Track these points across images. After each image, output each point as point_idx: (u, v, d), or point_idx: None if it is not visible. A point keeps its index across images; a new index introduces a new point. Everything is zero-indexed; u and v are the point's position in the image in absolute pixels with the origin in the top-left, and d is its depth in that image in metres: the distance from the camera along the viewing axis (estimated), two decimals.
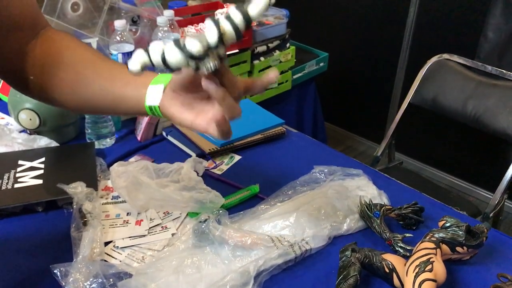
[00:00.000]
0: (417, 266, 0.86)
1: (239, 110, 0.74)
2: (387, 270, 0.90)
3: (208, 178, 1.23)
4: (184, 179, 1.14)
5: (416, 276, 0.84)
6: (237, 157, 1.34)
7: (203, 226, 0.99)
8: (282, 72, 2.37)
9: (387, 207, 1.08)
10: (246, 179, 1.22)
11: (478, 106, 1.88)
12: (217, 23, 0.66)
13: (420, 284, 0.83)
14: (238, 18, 0.67)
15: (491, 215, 1.82)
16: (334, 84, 3.28)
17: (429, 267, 0.85)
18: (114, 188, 1.13)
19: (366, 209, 1.07)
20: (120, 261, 0.95)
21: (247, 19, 0.67)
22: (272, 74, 0.76)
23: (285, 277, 0.94)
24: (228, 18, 0.67)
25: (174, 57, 0.67)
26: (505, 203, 2.01)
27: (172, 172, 1.19)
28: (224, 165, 1.30)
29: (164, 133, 1.40)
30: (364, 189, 1.17)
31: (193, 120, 0.76)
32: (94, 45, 1.35)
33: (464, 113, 1.91)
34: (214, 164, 1.29)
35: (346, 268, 0.89)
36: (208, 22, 0.67)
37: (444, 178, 2.96)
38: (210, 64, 0.67)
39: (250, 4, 0.67)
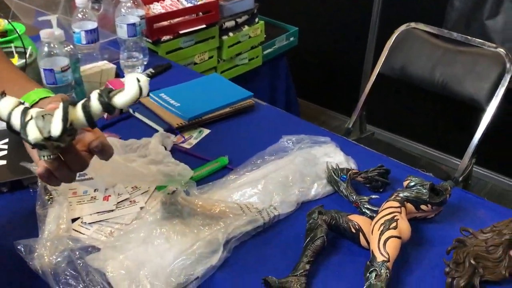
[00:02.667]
0: (382, 224, 0.87)
1: (73, 179, 0.73)
2: (353, 231, 0.92)
3: (177, 152, 1.22)
4: (151, 154, 1.13)
5: (381, 234, 0.86)
6: (206, 131, 1.33)
7: (171, 198, 0.99)
8: (252, 48, 2.35)
9: (353, 171, 1.09)
10: (215, 152, 1.21)
11: (445, 73, 1.91)
12: (66, 114, 0.62)
13: (385, 242, 0.85)
14: (96, 108, 0.63)
15: (460, 179, 1.86)
16: (305, 59, 3.28)
17: (394, 224, 0.87)
18: None
19: (333, 173, 1.08)
20: (88, 236, 0.94)
21: (108, 110, 0.64)
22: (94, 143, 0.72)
23: (255, 243, 0.95)
24: (85, 107, 0.63)
25: (16, 127, 0.64)
26: (474, 168, 2.06)
27: (139, 147, 1.18)
28: (193, 139, 1.29)
29: (131, 110, 1.39)
30: (331, 155, 1.18)
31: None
32: (54, 22, 1.31)
33: (432, 81, 1.93)
34: (183, 139, 1.28)
35: (313, 230, 0.91)
36: (58, 112, 0.63)
37: (416, 148, 3.00)
38: (44, 156, 0.64)
39: (119, 92, 0.63)
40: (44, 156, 0.64)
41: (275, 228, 0.99)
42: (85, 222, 0.99)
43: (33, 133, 0.62)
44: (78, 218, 1.00)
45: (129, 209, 1.02)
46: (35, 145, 0.63)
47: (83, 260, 0.85)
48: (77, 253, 0.85)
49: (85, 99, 0.65)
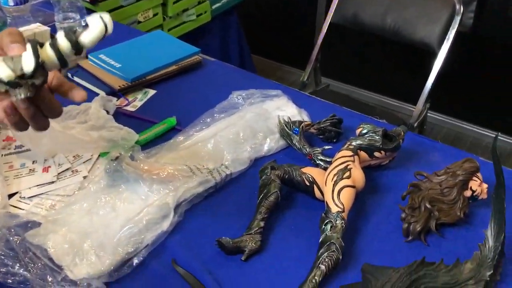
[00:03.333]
0: (335, 174, 0.85)
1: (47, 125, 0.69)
2: (307, 183, 0.89)
3: (121, 116, 1.15)
4: (92, 119, 1.05)
5: (334, 184, 0.83)
6: (151, 92, 1.26)
7: (115, 164, 0.93)
8: (199, 3, 2.25)
9: (306, 123, 1.06)
10: (162, 113, 1.15)
11: (396, 18, 1.88)
12: (36, 51, 0.58)
13: (339, 192, 0.82)
14: (65, 46, 0.60)
15: (415, 125, 1.87)
16: (257, 13, 3.18)
17: (347, 174, 0.85)
18: (15, 137, 1.03)
19: (285, 127, 1.04)
20: (26, 211, 0.87)
21: (77, 48, 0.60)
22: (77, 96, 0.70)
23: (207, 204, 0.91)
24: (53, 45, 0.60)
25: None
26: (429, 114, 2.07)
27: (79, 113, 1.10)
28: (137, 101, 1.22)
29: (69, 74, 1.29)
30: (283, 109, 1.14)
31: None
32: None
33: (384, 27, 1.90)
34: (127, 102, 1.21)
35: (266, 186, 0.87)
36: (28, 49, 0.59)
37: (372, 97, 3.01)
38: (21, 94, 0.59)
39: (83, 32, 0.61)
40: (19, 94, 0.60)
41: (228, 187, 0.95)
42: (24, 197, 0.92)
43: (5, 71, 0.58)
44: (16, 193, 0.93)
45: (71, 180, 0.96)
46: (9, 84, 0.59)
47: (20, 237, 0.78)
48: (13, 230, 0.79)
49: (52, 39, 0.61)
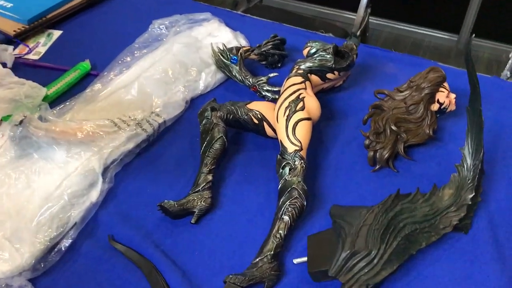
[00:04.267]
0: (286, 108, 0.72)
1: None
2: (255, 121, 0.76)
3: (22, 67, 0.95)
4: None
5: (288, 120, 0.71)
6: (56, 33, 1.05)
7: (21, 130, 0.76)
8: None
9: (245, 48, 0.91)
10: (73, 58, 0.96)
11: None
12: None
13: (293, 127, 0.70)
14: None
15: (358, 33, 1.74)
16: None
17: (300, 105, 0.72)
18: None
19: (221, 56, 0.89)
20: None
21: None
22: None
23: (141, 163, 0.77)
24: None
25: None
26: (370, 19, 1.95)
27: None
28: (41, 46, 1.02)
29: None
30: (216, 34, 0.98)
31: None
32: None
33: None
34: (28, 49, 1.00)
35: (208, 132, 0.73)
36: None
37: (308, 8, 2.84)
38: None
39: None
40: None
41: (163, 138, 0.81)
42: None
43: None
44: None
45: None
46: None
47: None
48: None
49: None
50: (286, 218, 0.64)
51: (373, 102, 0.80)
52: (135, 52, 0.92)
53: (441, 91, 0.75)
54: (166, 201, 0.67)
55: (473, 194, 0.64)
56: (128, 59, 0.91)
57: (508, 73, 1.43)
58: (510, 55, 1.40)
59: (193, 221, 0.67)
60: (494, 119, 0.81)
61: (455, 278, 0.61)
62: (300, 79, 0.76)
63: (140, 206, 0.70)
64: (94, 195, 0.71)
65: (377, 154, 0.73)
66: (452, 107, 0.77)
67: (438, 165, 0.75)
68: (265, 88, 0.84)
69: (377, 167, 0.74)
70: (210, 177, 0.70)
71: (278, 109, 0.73)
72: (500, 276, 0.60)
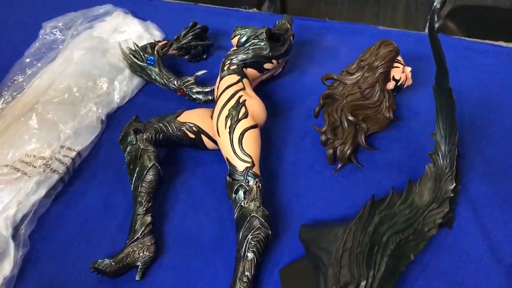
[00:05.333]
0: (227, 117, 0.60)
1: None
2: (191, 136, 0.63)
3: None
4: None
5: (231, 131, 0.59)
6: None
7: None
8: None
9: (161, 44, 0.76)
10: None
11: None
12: None
13: (240, 140, 0.58)
14: None
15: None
16: None
17: (243, 111, 0.60)
18: None
19: (134, 58, 0.74)
20: None
21: None
22: None
23: (60, 210, 0.62)
24: None
25: None
26: None
27: None
28: None
29: None
30: (123, 29, 0.83)
31: None
32: None
33: None
34: None
35: (136, 161, 0.60)
36: None
37: None
38: None
39: None
40: None
41: (82, 173, 0.66)
42: None
43: None
44: None
45: None
46: None
47: None
48: None
49: None
50: (250, 255, 0.53)
51: (318, 85, 0.70)
52: (27, 69, 0.75)
53: (396, 67, 0.66)
54: (99, 260, 0.54)
55: (454, 184, 0.57)
56: (20, 79, 0.74)
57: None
58: None
59: (138, 277, 0.55)
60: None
61: (451, 281, 0.54)
62: (235, 77, 0.64)
63: (69, 270, 0.57)
64: (7, 268, 0.56)
65: (338, 151, 0.64)
66: (409, 82, 0.68)
67: (403, 149, 0.66)
68: (194, 90, 0.71)
69: (339, 166, 0.64)
70: (148, 218, 0.57)
71: (218, 120, 0.60)
72: (496, 273, 0.54)
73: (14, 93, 0.71)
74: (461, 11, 1.21)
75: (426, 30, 1.37)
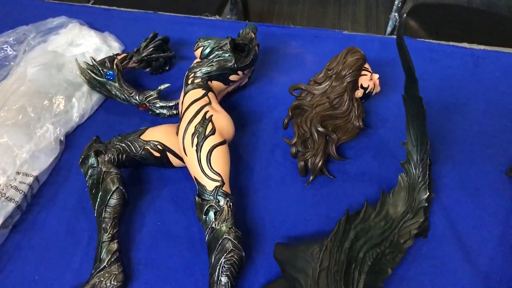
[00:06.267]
0: (193, 134, 0.57)
1: None
2: (157, 155, 0.60)
3: None
4: None
5: (198, 150, 0.56)
6: None
7: None
8: None
9: (120, 57, 0.73)
10: None
11: None
12: None
13: (208, 158, 0.56)
14: None
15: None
16: None
17: (210, 127, 0.58)
18: None
19: (93, 74, 0.70)
20: None
21: None
22: None
23: (19, 241, 0.58)
24: None
25: None
26: None
27: None
28: None
29: None
30: (79, 42, 0.79)
31: None
32: None
33: None
34: None
35: (99, 185, 0.57)
36: None
37: None
38: None
39: None
40: None
41: (42, 200, 0.62)
42: None
43: None
44: None
45: None
46: None
47: None
48: None
49: None
50: (224, 279, 0.51)
51: (286, 94, 0.68)
52: None
53: (363, 75, 0.65)
54: None
55: (428, 193, 0.56)
56: None
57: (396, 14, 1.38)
58: None
59: None
60: None
61: None
62: (200, 92, 0.61)
63: None
64: None
65: (309, 163, 0.62)
66: (377, 89, 0.67)
67: (374, 158, 0.65)
68: (158, 105, 0.68)
69: (311, 178, 0.62)
70: (115, 246, 0.54)
71: (184, 137, 0.58)
72: (473, 281, 0.53)
73: None
74: (422, 9, 1.22)
75: (388, 33, 1.39)
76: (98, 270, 0.53)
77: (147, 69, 0.75)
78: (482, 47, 0.81)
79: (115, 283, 0.52)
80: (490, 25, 1.16)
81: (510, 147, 0.67)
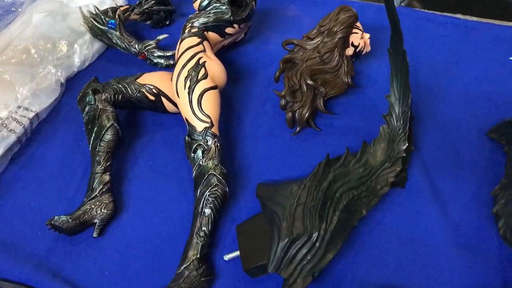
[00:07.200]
0: (186, 78, 0.60)
1: None
2: (151, 98, 0.63)
3: None
4: None
5: (190, 92, 0.59)
6: None
7: None
8: None
9: (122, 8, 0.75)
10: None
11: None
12: None
13: (199, 100, 0.59)
14: None
15: None
16: None
17: (202, 72, 0.60)
18: None
19: (95, 22, 0.73)
20: None
21: None
22: None
23: (16, 171, 0.62)
24: None
25: None
26: None
27: None
28: None
29: None
30: None
31: None
32: None
33: None
34: None
35: (94, 121, 0.60)
36: None
37: None
38: None
39: None
40: None
41: (40, 135, 0.65)
42: None
43: None
44: None
45: None
46: None
47: None
48: None
49: None
50: (208, 211, 0.54)
51: (281, 53, 0.70)
52: None
53: (355, 33, 0.67)
54: (56, 217, 0.54)
55: (406, 144, 0.59)
56: None
57: None
58: None
59: (95, 234, 0.55)
60: (408, 53, 0.76)
61: (401, 240, 0.55)
62: (196, 39, 0.64)
63: (25, 228, 0.56)
64: None
65: (296, 114, 0.65)
66: (368, 48, 0.69)
67: (361, 115, 0.68)
68: (155, 54, 0.71)
69: (298, 129, 0.65)
70: (107, 177, 0.57)
71: (177, 81, 0.61)
72: (445, 230, 0.56)
73: None
74: None
75: None
76: (89, 198, 0.56)
77: (148, 22, 0.78)
78: (475, 18, 0.83)
79: (105, 211, 0.56)
80: None
81: (493, 112, 0.69)
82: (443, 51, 0.78)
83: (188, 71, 0.60)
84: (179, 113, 0.63)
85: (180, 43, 0.65)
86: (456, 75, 0.74)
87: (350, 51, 0.68)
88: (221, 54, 0.73)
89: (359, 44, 0.68)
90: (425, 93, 0.71)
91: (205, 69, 0.61)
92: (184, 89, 0.59)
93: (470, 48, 0.78)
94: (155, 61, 0.71)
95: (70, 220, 0.54)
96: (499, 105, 0.69)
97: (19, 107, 0.63)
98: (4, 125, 0.61)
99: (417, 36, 0.79)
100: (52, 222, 0.54)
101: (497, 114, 0.68)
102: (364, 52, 0.70)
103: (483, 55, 0.77)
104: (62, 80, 0.69)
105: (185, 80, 0.60)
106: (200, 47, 0.63)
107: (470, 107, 0.69)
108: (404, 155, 0.58)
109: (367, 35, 0.69)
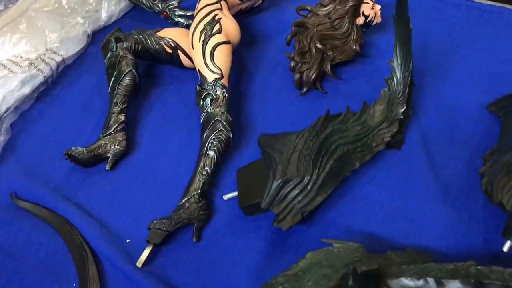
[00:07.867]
0: (202, 31, 0.64)
1: None
2: (169, 51, 0.68)
3: None
4: None
5: (204, 45, 0.63)
6: None
7: None
8: None
9: None
10: None
11: None
12: None
13: (211, 53, 0.63)
14: None
15: None
16: None
17: (217, 27, 0.65)
18: None
19: None
20: None
21: None
22: None
23: (41, 108, 0.68)
24: None
25: None
26: None
27: None
28: None
29: None
30: None
31: None
32: None
33: None
34: None
35: (115, 66, 0.65)
36: None
37: None
38: None
39: None
40: None
41: (65, 79, 0.71)
42: None
43: None
44: None
45: None
46: None
47: None
48: None
49: None
50: (211, 153, 0.58)
51: (296, 20, 0.74)
52: None
53: (366, 3, 0.70)
54: (73, 148, 0.59)
55: (404, 107, 0.62)
56: None
57: None
58: None
59: (107, 167, 0.60)
60: (418, 28, 0.78)
61: (391, 195, 0.58)
62: None
63: (45, 158, 0.62)
64: None
65: (304, 75, 0.68)
66: (378, 20, 0.72)
67: (367, 82, 0.71)
68: (177, 13, 0.76)
69: (304, 90, 0.69)
70: (122, 117, 0.62)
71: (193, 34, 0.65)
72: (434, 190, 0.59)
73: (9, 5, 0.75)
74: None
75: None
76: (105, 134, 0.61)
77: None
78: (489, 2, 0.84)
79: (118, 147, 0.61)
80: None
81: (496, 89, 0.70)
82: (455, 31, 0.80)
83: (204, 25, 0.64)
84: (194, 69, 0.67)
85: (199, 1, 0.69)
86: (465, 55, 0.76)
87: (360, 20, 0.71)
88: (239, 18, 0.77)
89: (369, 14, 0.71)
90: (432, 68, 0.73)
91: (220, 24, 0.65)
92: (199, 41, 0.64)
93: (482, 31, 0.80)
94: (176, 20, 0.76)
95: (85, 152, 0.59)
96: (506, 85, 0.71)
97: (47, 49, 0.68)
98: (34, 65, 0.66)
99: (430, 16, 0.81)
100: (69, 152, 0.59)
101: (502, 92, 0.70)
102: (374, 23, 0.72)
103: (494, 38, 0.79)
104: (89, 32, 0.74)
105: (200, 34, 0.64)
106: (217, 5, 0.67)
107: (474, 84, 0.71)
108: (402, 117, 0.61)
109: (378, 6, 0.72)
